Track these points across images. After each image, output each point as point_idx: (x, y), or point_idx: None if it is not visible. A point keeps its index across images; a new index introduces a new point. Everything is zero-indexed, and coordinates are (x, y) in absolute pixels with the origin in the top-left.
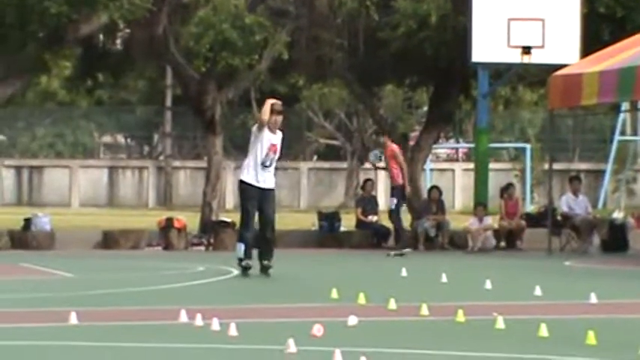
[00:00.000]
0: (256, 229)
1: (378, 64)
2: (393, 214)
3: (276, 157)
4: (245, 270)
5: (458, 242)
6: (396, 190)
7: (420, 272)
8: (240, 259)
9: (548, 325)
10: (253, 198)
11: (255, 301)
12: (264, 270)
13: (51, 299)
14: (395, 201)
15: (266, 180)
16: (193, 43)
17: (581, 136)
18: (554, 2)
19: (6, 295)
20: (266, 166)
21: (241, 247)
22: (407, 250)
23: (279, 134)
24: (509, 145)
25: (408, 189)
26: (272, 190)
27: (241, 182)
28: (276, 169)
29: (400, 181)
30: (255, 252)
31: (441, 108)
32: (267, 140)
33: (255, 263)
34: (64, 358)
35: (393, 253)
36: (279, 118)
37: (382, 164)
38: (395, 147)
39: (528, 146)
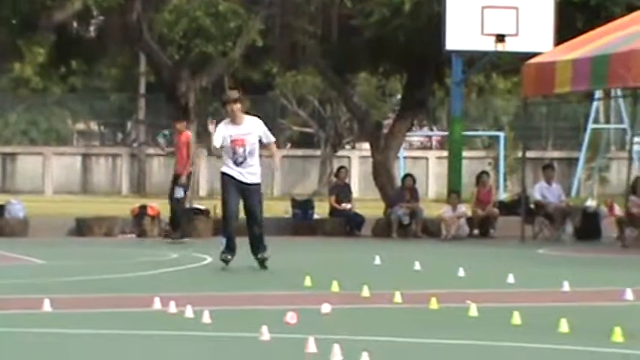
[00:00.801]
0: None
1: (352, 52)
2: (177, 203)
3: (249, 149)
4: (225, 262)
5: (431, 230)
6: (180, 179)
7: (394, 260)
8: (222, 252)
9: (521, 312)
10: (232, 189)
11: (229, 289)
12: (261, 264)
13: (24, 286)
14: (182, 190)
15: (247, 175)
16: (167, 31)
17: (555, 124)
18: None
19: None
20: (240, 163)
21: (222, 241)
22: (186, 239)
23: (247, 124)
24: (482, 133)
25: (183, 179)
26: (255, 184)
27: (221, 174)
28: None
29: (184, 170)
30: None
31: (415, 96)
32: (228, 137)
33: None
34: (38, 345)
35: (171, 240)
36: (236, 107)
37: (171, 149)
38: (190, 135)
39: (502, 134)
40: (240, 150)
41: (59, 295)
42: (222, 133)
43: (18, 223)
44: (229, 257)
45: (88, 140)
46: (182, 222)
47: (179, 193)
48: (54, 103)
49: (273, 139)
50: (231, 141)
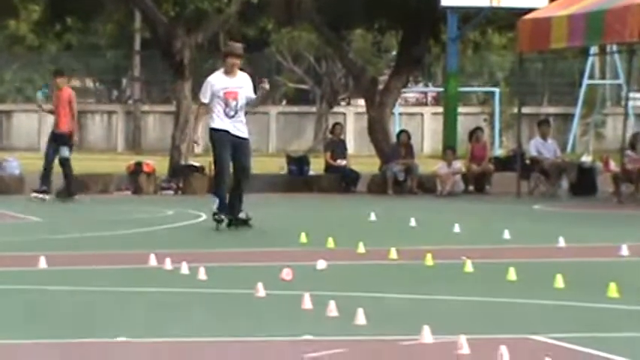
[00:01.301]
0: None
1: (347, 8)
2: (67, 162)
3: (240, 103)
4: (218, 223)
5: (427, 186)
6: (64, 137)
7: (389, 216)
8: (214, 213)
9: (517, 268)
10: (226, 145)
11: (225, 245)
12: (245, 222)
13: (20, 244)
14: (67, 150)
15: (239, 128)
16: None
17: (550, 80)
18: None
19: None
20: (231, 117)
21: (215, 200)
22: (76, 197)
23: (240, 78)
24: (478, 89)
25: (76, 138)
26: (246, 139)
27: (212, 130)
28: (245, 113)
29: (67, 128)
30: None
31: (410, 52)
32: (221, 89)
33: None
34: (33, 302)
35: (61, 197)
36: (237, 62)
37: (49, 107)
38: (72, 91)
39: (497, 90)
40: (233, 103)
41: (55, 253)
42: (212, 88)
43: (14, 180)
44: (222, 217)
45: (83, 97)
46: (72, 180)
47: (65, 152)
48: (49, 60)
49: (254, 96)
50: (225, 92)
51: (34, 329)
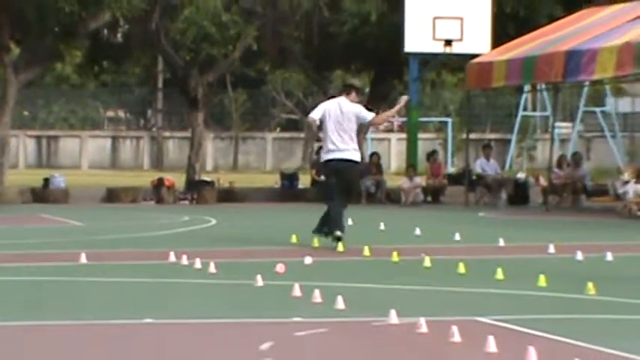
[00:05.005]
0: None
1: (329, 54)
2: None
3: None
4: None
5: (393, 197)
6: None
7: (363, 222)
8: None
9: (466, 264)
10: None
11: (230, 245)
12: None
13: (65, 243)
14: None
15: None
16: (180, 37)
17: (492, 112)
18: (470, 4)
19: (29, 239)
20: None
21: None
22: None
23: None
24: (434, 119)
25: None
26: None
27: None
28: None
29: None
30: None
31: (380, 89)
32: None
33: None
34: (76, 290)
35: None
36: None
37: None
38: None
39: (450, 120)
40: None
41: (93, 250)
42: None
43: (60, 192)
44: None
45: (116, 125)
46: None
47: None
48: (89, 95)
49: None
50: None
51: (75, 312)
